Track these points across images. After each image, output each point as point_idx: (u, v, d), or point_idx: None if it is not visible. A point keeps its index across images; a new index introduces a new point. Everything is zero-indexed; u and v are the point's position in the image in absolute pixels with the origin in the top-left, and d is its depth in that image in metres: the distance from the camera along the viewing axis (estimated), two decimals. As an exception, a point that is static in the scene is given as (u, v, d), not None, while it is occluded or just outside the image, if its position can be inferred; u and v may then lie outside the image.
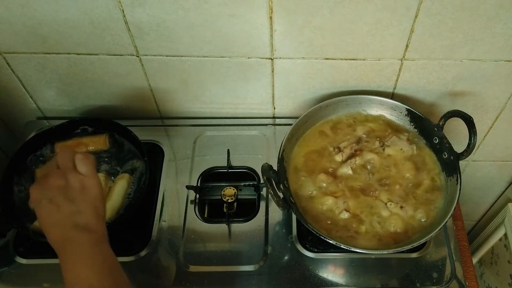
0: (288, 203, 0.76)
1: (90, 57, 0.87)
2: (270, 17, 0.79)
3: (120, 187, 0.83)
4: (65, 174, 0.60)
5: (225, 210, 0.87)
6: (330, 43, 0.84)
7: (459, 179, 0.78)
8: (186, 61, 0.88)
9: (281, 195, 0.76)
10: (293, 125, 0.85)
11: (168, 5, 0.77)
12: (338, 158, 0.86)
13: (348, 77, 0.92)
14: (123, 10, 0.78)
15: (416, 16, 0.78)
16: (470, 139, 0.78)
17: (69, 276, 0.57)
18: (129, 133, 0.89)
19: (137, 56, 0.87)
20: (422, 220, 0.79)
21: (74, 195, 0.59)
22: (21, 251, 0.82)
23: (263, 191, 0.90)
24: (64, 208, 0.58)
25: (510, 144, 1.10)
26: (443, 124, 0.84)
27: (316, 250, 0.82)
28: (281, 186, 0.77)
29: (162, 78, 0.93)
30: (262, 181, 0.88)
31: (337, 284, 0.79)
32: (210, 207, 0.93)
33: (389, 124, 0.91)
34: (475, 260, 1.39)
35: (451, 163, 0.82)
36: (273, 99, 0.99)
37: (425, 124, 0.87)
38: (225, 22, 0.80)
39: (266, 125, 1.01)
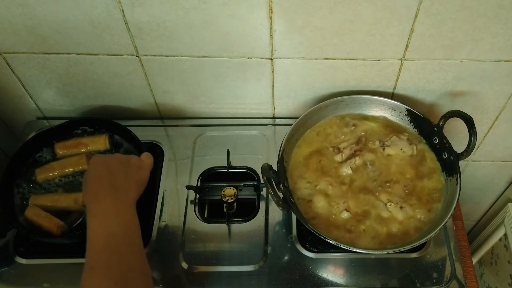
0: (288, 203, 0.76)
1: (90, 57, 0.87)
2: (270, 17, 0.79)
3: None
4: (130, 156, 0.74)
5: (225, 210, 0.87)
6: (330, 43, 0.84)
7: (459, 179, 0.78)
8: (186, 61, 0.88)
9: (281, 195, 0.76)
10: (293, 125, 0.85)
11: (168, 5, 0.77)
12: (338, 158, 0.86)
13: (348, 77, 0.92)
14: (123, 10, 0.78)
15: (416, 16, 0.78)
16: (470, 139, 0.78)
17: (93, 223, 0.63)
18: (129, 133, 0.89)
19: (137, 56, 0.87)
20: (422, 220, 0.79)
21: (129, 168, 0.71)
22: (21, 251, 0.82)
23: (263, 191, 0.90)
24: (115, 170, 0.69)
25: (510, 144, 1.10)
26: (443, 124, 0.84)
27: (316, 250, 0.82)
28: (281, 186, 0.77)
29: (162, 78, 0.93)
30: (262, 181, 0.88)
31: (337, 284, 0.79)
32: (210, 207, 0.93)
33: (389, 124, 0.91)
34: (475, 260, 1.39)
35: (451, 163, 0.82)
36: (273, 99, 0.99)
37: (425, 124, 0.87)
38: (225, 22, 0.80)
39: (266, 125, 1.01)
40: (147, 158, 0.77)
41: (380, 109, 0.92)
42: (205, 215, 0.90)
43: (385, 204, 0.80)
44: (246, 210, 0.88)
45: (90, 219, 0.63)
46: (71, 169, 0.85)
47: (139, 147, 0.87)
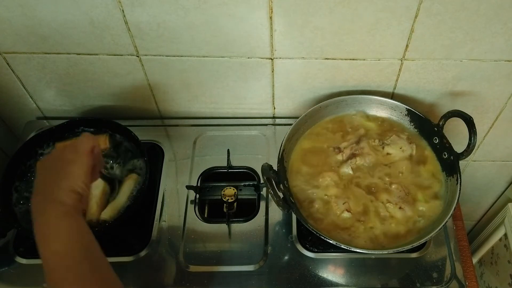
0: (288, 203, 0.76)
1: (90, 57, 0.87)
2: (270, 17, 0.79)
3: (127, 187, 0.83)
4: (66, 147, 0.65)
5: (225, 210, 0.87)
6: (330, 43, 0.84)
7: (459, 179, 0.78)
8: (186, 61, 0.88)
9: (281, 195, 0.76)
10: (293, 125, 0.85)
11: (168, 5, 0.77)
12: (338, 158, 0.86)
13: (348, 77, 0.92)
14: (123, 10, 0.78)
15: (416, 16, 0.78)
16: (470, 139, 0.78)
17: (40, 249, 0.58)
18: (129, 133, 0.89)
19: (137, 56, 0.87)
20: (422, 220, 0.79)
21: (60, 168, 0.62)
22: (21, 251, 0.82)
23: (263, 191, 0.90)
24: (48, 178, 0.62)
25: (510, 144, 1.10)
26: (443, 124, 0.84)
27: (316, 250, 0.82)
28: (281, 186, 0.77)
29: (162, 78, 0.93)
30: (262, 181, 0.88)
31: (337, 284, 0.79)
32: (210, 207, 0.93)
33: (389, 124, 0.91)
34: (475, 260, 1.39)
35: (451, 163, 0.82)
36: (273, 99, 0.99)
37: (425, 124, 0.87)
38: (225, 22, 0.80)
39: (266, 125, 1.01)
40: (82, 142, 0.65)
41: (380, 109, 0.92)
42: (205, 215, 0.90)
43: (385, 204, 0.80)
44: (246, 210, 0.88)
45: (37, 242, 0.58)
46: None
47: (139, 147, 0.87)
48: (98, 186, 0.82)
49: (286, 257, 0.82)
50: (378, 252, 0.78)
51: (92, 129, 0.91)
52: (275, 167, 0.78)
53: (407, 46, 0.84)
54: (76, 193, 0.61)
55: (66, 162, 0.63)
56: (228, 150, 0.93)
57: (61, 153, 0.65)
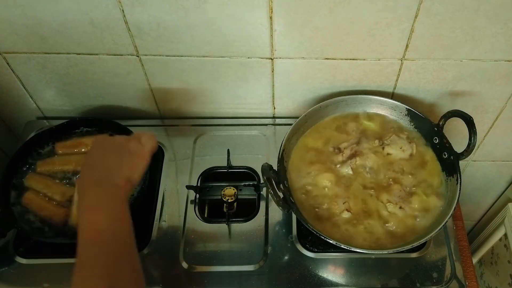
0: (288, 203, 0.76)
1: (90, 57, 0.87)
2: (270, 17, 0.79)
3: None
4: (130, 139, 0.70)
5: (225, 210, 0.87)
6: (330, 43, 0.84)
7: (459, 179, 0.78)
8: (186, 61, 0.88)
9: (281, 195, 0.76)
10: (293, 125, 0.85)
11: (168, 5, 0.77)
12: (338, 158, 0.86)
13: (348, 77, 0.92)
14: (123, 10, 0.78)
15: (416, 16, 0.78)
16: (470, 139, 0.78)
17: (82, 219, 0.60)
18: (129, 133, 0.89)
19: (137, 56, 0.87)
20: (422, 220, 0.79)
21: (125, 155, 0.67)
22: (21, 251, 0.82)
23: (263, 191, 0.90)
24: (109, 159, 0.66)
25: (510, 144, 1.10)
26: (443, 124, 0.84)
27: (316, 250, 0.82)
28: (281, 186, 0.77)
29: (162, 78, 0.93)
30: (262, 181, 0.88)
31: (337, 284, 0.79)
32: (210, 207, 0.93)
33: (389, 124, 0.91)
34: (475, 260, 1.39)
35: (451, 163, 0.82)
36: (273, 99, 0.99)
37: (425, 124, 0.87)
38: (225, 22, 0.80)
39: (266, 125, 1.01)
40: (148, 140, 0.71)
41: (380, 109, 0.92)
42: (205, 215, 0.90)
43: (385, 204, 0.80)
44: (246, 210, 0.88)
45: (80, 214, 0.61)
46: (71, 167, 0.86)
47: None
48: None
49: (286, 257, 0.82)
50: (378, 252, 0.78)
51: (92, 129, 0.92)
52: (275, 167, 0.78)
53: (407, 46, 0.84)
54: (131, 183, 0.66)
55: (131, 153, 0.68)
56: (228, 150, 0.93)
57: (127, 142, 0.69)
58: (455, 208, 0.75)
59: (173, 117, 1.03)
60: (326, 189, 0.82)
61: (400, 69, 0.90)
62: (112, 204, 0.62)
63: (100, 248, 0.58)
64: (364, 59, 0.88)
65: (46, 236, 0.79)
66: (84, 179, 0.64)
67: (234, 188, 0.87)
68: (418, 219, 0.79)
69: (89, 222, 0.60)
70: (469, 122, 0.78)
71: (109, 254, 0.58)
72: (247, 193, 0.91)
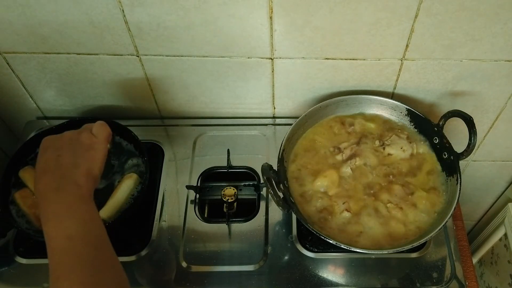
0: (288, 203, 0.76)
1: (90, 57, 0.87)
2: (270, 17, 0.79)
3: (126, 186, 0.83)
4: (80, 131, 0.65)
5: (225, 210, 0.87)
6: (330, 43, 0.84)
7: (459, 179, 0.78)
8: (186, 61, 0.88)
9: (281, 195, 0.76)
10: (293, 125, 0.85)
11: (168, 5, 0.77)
12: (338, 158, 0.86)
13: (348, 77, 0.92)
14: (123, 10, 0.78)
15: (416, 16, 0.78)
16: (470, 139, 0.78)
17: (48, 228, 0.56)
18: (129, 133, 0.89)
19: (137, 56, 0.87)
20: (422, 220, 0.79)
21: (78, 150, 0.63)
22: (21, 251, 0.82)
23: (263, 191, 0.90)
24: (63, 158, 0.61)
25: (510, 144, 1.10)
26: (443, 124, 0.84)
27: (316, 250, 0.82)
28: (281, 186, 0.77)
29: (162, 78, 0.93)
30: (262, 181, 0.88)
31: (337, 284, 0.79)
32: (210, 207, 0.93)
33: (389, 124, 0.91)
34: (475, 260, 1.39)
35: (451, 163, 0.82)
36: (273, 99, 0.99)
37: (425, 124, 0.87)
38: (225, 22, 0.80)
39: (266, 125, 1.01)
40: (100, 129, 0.66)
41: (380, 109, 0.92)
42: (205, 215, 0.90)
43: (385, 204, 0.80)
44: (246, 210, 0.88)
45: (44, 223, 0.56)
46: None
47: (139, 147, 0.87)
48: None
49: (286, 257, 0.82)
50: (378, 252, 0.78)
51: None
52: (275, 167, 0.78)
53: (407, 46, 0.84)
54: (93, 178, 0.62)
55: (86, 146, 0.63)
56: (228, 150, 0.93)
57: (77, 135, 0.65)
58: (455, 208, 0.75)
59: (173, 117, 1.03)
60: (326, 189, 0.82)
61: (400, 69, 0.90)
62: (77, 206, 0.58)
63: (74, 255, 0.54)
64: (364, 59, 0.88)
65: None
66: (41, 185, 0.59)
67: (234, 188, 0.87)
68: (418, 219, 0.79)
69: (56, 230, 0.55)
70: (469, 122, 0.78)
71: (85, 259, 0.54)
72: (247, 193, 0.91)
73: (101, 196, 0.80)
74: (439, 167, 0.85)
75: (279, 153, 0.82)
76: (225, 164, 0.92)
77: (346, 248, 0.71)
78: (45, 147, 0.64)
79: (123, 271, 0.58)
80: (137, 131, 0.89)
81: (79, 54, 0.87)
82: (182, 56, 0.87)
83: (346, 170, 0.84)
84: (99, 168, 0.63)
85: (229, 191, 0.86)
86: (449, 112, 0.82)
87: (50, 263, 0.54)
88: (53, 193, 0.58)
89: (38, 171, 0.61)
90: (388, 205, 0.80)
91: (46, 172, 0.60)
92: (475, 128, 0.77)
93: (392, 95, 0.97)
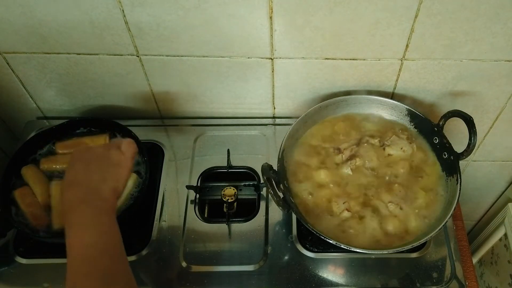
0: (288, 203, 0.76)
1: (90, 57, 0.87)
2: (270, 17, 0.79)
3: (126, 187, 0.83)
4: (110, 148, 0.68)
5: (225, 210, 0.87)
6: (330, 43, 0.84)
7: (459, 179, 0.78)
8: (186, 61, 0.88)
9: (281, 195, 0.76)
10: (293, 125, 0.85)
11: (168, 5, 0.77)
12: (338, 158, 0.86)
13: (348, 77, 0.92)
14: (123, 10, 0.78)
15: (416, 16, 0.78)
16: (470, 139, 0.78)
17: (70, 236, 0.59)
18: (129, 133, 0.89)
19: (137, 56, 0.87)
20: (422, 220, 0.79)
21: (107, 166, 0.65)
22: (21, 251, 0.82)
23: (263, 191, 0.90)
24: (92, 173, 0.64)
25: (510, 144, 1.10)
26: (443, 124, 0.84)
27: (316, 250, 0.82)
28: (281, 186, 0.77)
29: (162, 78, 0.93)
30: (262, 181, 0.88)
31: (337, 284, 0.79)
32: (210, 207, 0.93)
33: (389, 124, 0.91)
34: (475, 260, 1.39)
35: (451, 163, 0.82)
36: (273, 99, 0.99)
37: (425, 124, 0.87)
38: (225, 22, 0.80)
39: (266, 125, 1.01)
40: (128, 147, 0.69)
41: (380, 109, 0.92)
42: (205, 215, 0.90)
43: (386, 204, 0.80)
44: (246, 210, 0.88)
45: (67, 231, 0.59)
46: None
47: (140, 147, 0.87)
48: None
49: (286, 257, 0.82)
50: (378, 252, 0.78)
51: (92, 129, 0.92)
52: (275, 167, 0.78)
53: (407, 46, 0.84)
54: (118, 193, 0.65)
55: (114, 163, 0.66)
56: (228, 150, 0.93)
57: (107, 152, 0.67)
58: (455, 208, 0.75)
59: (173, 117, 1.03)
60: (326, 189, 0.82)
61: (400, 69, 0.90)
62: (102, 219, 0.61)
63: (91, 263, 0.57)
64: (364, 59, 0.88)
65: (45, 236, 0.79)
66: (68, 195, 0.62)
67: (234, 188, 0.87)
68: (418, 219, 0.79)
69: (78, 238, 0.59)
70: (469, 122, 0.78)
71: (101, 269, 0.57)
72: (247, 193, 0.91)
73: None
74: (439, 167, 0.85)
75: (279, 153, 0.82)
76: (225, 164, 0.92)
77: (346, 248, 0.71)
78: (75, 159, 0.66)
79: (135, 284, 0.60)
80: (137, 131, 0.89)
81: (79, 54, 0.87)
82: (182, 56, 0.87)
83: (346, 170, 0.84)
84: (124, 184, 0.67)
85: (229, 191, 0.86)
86: (449, 112, 0.82)
87: (68, 269, 0.57)
88: (79, 205, 0.61)
89: (66, 182, 0.64)
90: (388, 205, 0.80)
91: (75, 184, 0.63)
92: (475, 128, 0.77)
93: (392, 95, 0.97)
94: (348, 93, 0.94)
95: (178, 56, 0.87)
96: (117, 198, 0.65)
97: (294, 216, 0.86)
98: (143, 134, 0.92)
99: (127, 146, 0.69)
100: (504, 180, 1.24)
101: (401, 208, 0.79)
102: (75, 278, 0.57)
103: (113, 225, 0.62)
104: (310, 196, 0.81)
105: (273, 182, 0.75)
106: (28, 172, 0.84)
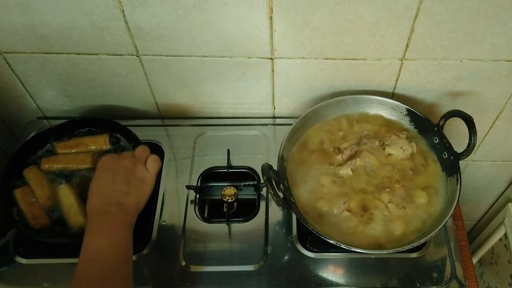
0: (288, 203, 0.76)
1: (90, 57, 0.87)
2: (270, 17, 0.79)
3: None
4: (136, 163, 0.72)
5: (225, 210, 0.87)
6: (330, 43, 0.84)
7: (459, 179, 0.78)
8: (186, 61, 0.88)
9: (281, 195, 0.76)
10: (293, 125, 0.85)
11: (168, 5, 0.77)
12: (338, 158, 0.86)
13: (348, 77, 0.92)
14: (123, 10, 0.78)
15: (416, 16, 0.78)
16: (470, 139, 0.78)
17: (86, 241, 0.63)
18: (129, 133, 0.89)
19: (137, 56, 0.87)
20: (422, 220, 0.79)
21: (132, 181, 0.70)
22: (21, 251, 0.82)
23: (263, 191, 0.90)
24: (118, 185, 0.68)
25: (510, 144, 1.10)
26: (443, 124, 0.84)
27: (316, 250, 0.82)
28: (281, 186, 0.77)
29: (162, 78, 0.93)
30: (262, 181, 0.88)
31: (337, 284, 0.79)
32: (210, 207, 0.93)
33: (389, 124, 0.91)
34: (475, 260, 1.39)
35: (451, 163, 0.82)
36: (273, 99, 0.99)
37: (425, 124, 0.87)
38: (225, 22, 0.80)
39: (266, 125, 1.01)
40: (153, 165, 0.74)
41: (380, 109, 0.92)
42: (205, 215, 0.90)
43: (386, 204, 0.80)
44: (246, 210, 0.88)
45: (86, 236, 0.64)
46: (74, 165, 0.86)
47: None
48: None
49: (286, 257, 0.82)
50: (378, 252, 0.78)
51: (92, 129, 0.92)
52: (275, 167, 0.78)
53: (407, 46, 0.84)
54: (138, 209, 0.70)
55: (139, 179, 0.71)
56: (228, 150, 0.93)
57: (133, 166, 0.71)
58: (455, 208, 0.75)
59: (173, 117, 1.03)
60: (326, 189, 0.82)
61: (400, 69, 0.90)
62: (118, 228, 0.65)
63: (97, 269, 0.61)
64: (364, 59, 0.88)
65: (45, 236, 0.79)
66: (93, 203, 0.67)
67: (234, 188, 0.87)
68: (418, 219, 0.79)
69: (93, 243, 0.63)
70: (469, 122, 0.78)
71: (105, 275, 0.61)
72: (247, 193, 0.91)
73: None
74: (439, 167, 0.85)
75: (279, 153, 0.82)
76: (225, 164, 0.92)
77: (346, 248, 0.71)
78: (103, 169, 0.71)
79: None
80: (137, 131, 0.89)
81: (79, 54, 0.87)
82: (182, 56, 0.87)
83: (346, 170, 0.84)
84: (146, 201, 0.71)
85: (229, 191, 0.86)
86: (449, 112, 0.82)
87: (76, 271, 0.61)
88: (102, 213, 0.66)
89: (93, 190, 0.69)
90: (388, 205, 0.80)
91: (100, 193, 0.68)
92: (475, 128, 0.77)
93: (392, 95, 0.97)
94: (348, 93, 0.94)
95: (178, 56, 0.87)
96: (138, 213, 0.69)
97: (294, 216, 0.86)
98: (143, 134, 0.92)
99: (152, 164, 0.74)
100: (504, 180, 1.24)
101: (400, 208, 0.79)
102: (80, 280, 0.60)
103: (129, 237, 0.66)
104: (310, 196, 0.81)
105: (273, 182, 0.75)
106: (30, 174, 0.84)
